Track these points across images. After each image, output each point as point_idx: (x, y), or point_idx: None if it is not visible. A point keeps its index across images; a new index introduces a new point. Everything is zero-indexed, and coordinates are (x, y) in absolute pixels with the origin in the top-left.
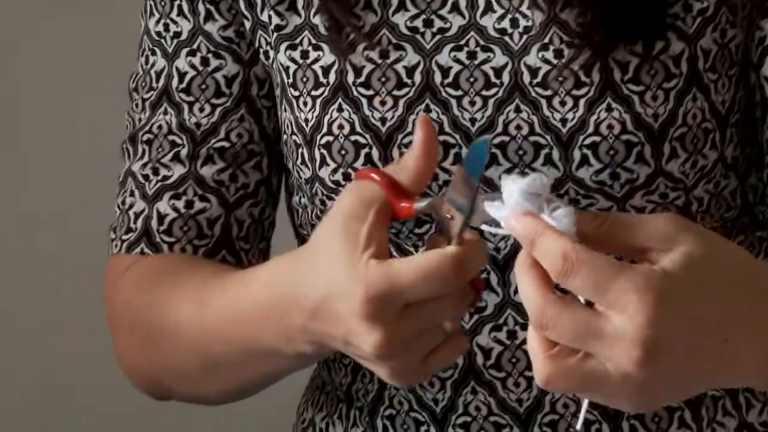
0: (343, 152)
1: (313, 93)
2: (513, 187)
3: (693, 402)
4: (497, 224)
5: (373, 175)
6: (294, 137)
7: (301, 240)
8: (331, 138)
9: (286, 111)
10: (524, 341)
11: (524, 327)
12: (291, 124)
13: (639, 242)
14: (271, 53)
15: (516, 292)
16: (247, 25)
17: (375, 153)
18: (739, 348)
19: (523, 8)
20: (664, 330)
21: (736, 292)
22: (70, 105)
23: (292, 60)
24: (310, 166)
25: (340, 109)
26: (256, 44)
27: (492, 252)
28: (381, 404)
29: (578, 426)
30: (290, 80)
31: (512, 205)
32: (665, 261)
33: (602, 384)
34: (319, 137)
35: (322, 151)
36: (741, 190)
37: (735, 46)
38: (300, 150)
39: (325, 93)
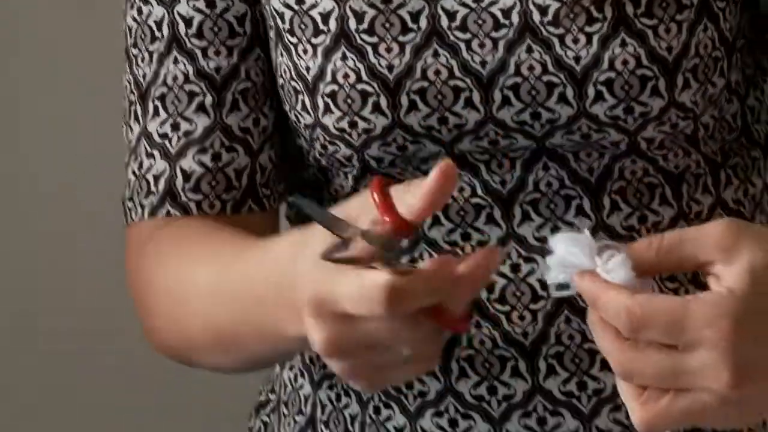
0: (349, 101)
1: (313, 41)
2: (561, 247)
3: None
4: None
5: (375, 196)
6: (293, 83)
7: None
8: (336, 87)
9: (282, 56)
10: (528, 274)
11: (528, 260)
12: (289, 69)
13: (699, 258)
14: None
15: (519, 224)
16: None
17: (383, 101)
18: None
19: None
20: (747, 351)
21: None
22: (70, 105)
23: (287, 6)
24: (312, 113)
25: (344, 58)
26: None
27: (497, 186)
28: None
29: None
30: (287, 26)
31: (564, 265)
32: (730, 279)
33: (703, 414)
34: (322, 86)
35: (326, 99)
36: (741, 111)
37: None
38: (300, 96)
39: (327, 41)
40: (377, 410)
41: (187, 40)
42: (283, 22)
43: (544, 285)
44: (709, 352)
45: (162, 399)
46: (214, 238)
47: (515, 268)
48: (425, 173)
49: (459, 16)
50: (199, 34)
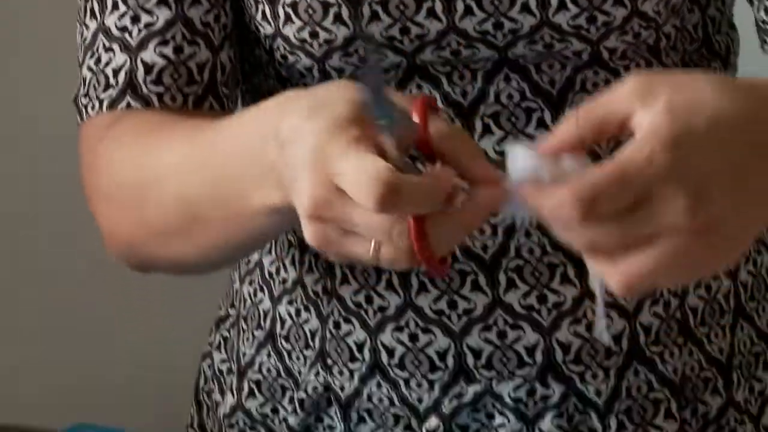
0: (310, 11)
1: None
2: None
3: None
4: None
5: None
6: None
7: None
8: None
9: None
10: (515, 340)
11: (513, 327)
12: None
13: (618, 114)
14: None
15: (480, 138)
16: None
17: (344, 11)
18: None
19: (513, 13)
20: (691, 173)
21: (735, 105)
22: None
23: None
24: (272, 23)
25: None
26: None
27: (458, 97)
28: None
29: (606, 340)
30: None
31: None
32: (651, 118)
33: (677, 258)
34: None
35: (287, 9)
36: (702, 22)
37: None
38: (260, 6)
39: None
40: (337, 325)
41: None
42: None
43: (530, 352)
44: (659, 190)
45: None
46: (180, 122)
47: (502, 335)
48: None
49: None
50: None
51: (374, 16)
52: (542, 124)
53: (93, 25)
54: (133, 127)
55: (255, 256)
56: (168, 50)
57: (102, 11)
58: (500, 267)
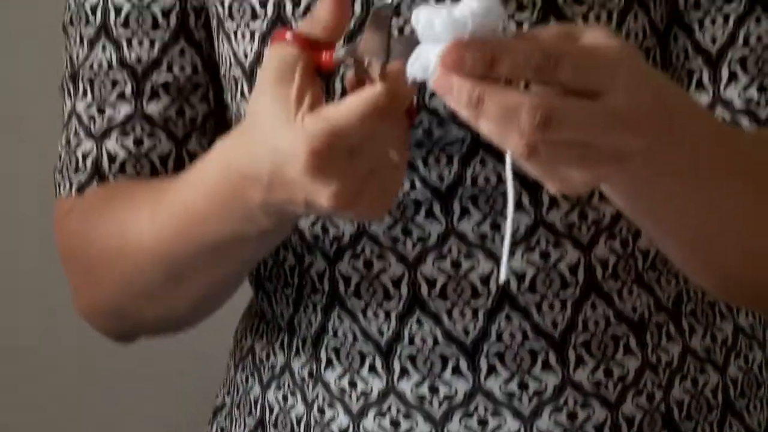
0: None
1: (251, 25)
2: (436, 19)
3: (637, 327)
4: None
5: (288, 35)
6: (233, 71)
7: None
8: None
9: (223, 44)
10: (469, 270)
11: (468, 256)
12: (230, 57)
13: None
14: None
15: (460, 218)
16: None
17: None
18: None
19: None
20: (654, 97)
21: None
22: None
23: None
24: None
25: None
26: None
27: (435, 181)
28: (325, 334)
29: (501, 278)
30: (226, 12)
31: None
32: (594, 34)
33: (592, 159)
34: (259, 71)
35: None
36: None
37: None
38: (240, 84)
39: (263, 26)
40: (321, 411)
41: (114, 29)
42: (223, 8)
43: (485, 281)
44: (622, 97)
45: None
46: (148, 181)
47: (456, 264)
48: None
49: None
50: (125, 23)
51: None
52: (520, 207)
53: (69, 104)
54: (99, 200)
55: (248, 342)
56: (129, 142)
57: (74, 95)
58: (481, 352)
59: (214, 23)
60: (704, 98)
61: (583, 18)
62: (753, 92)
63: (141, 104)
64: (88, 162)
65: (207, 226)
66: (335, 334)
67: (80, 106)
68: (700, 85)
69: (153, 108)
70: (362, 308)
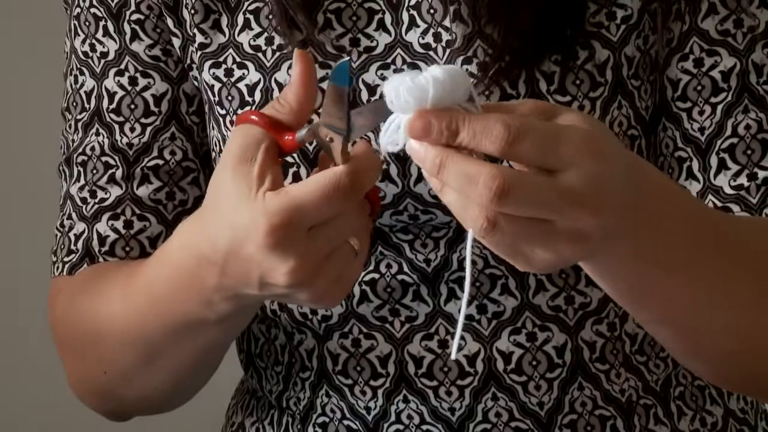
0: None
1: (240, 112)
2: (401, 87)
3: (625, 410)
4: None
5: (253, 116)
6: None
7: None
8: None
9: (214, 129)
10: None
11: (454, 335)
12: (219, 142)
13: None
14: (198, 70)
15: (446, 302)
16: (177, 42)
17: (303, 172)
18: (658, 213)
19: (446, 22)
20: (613, 178)
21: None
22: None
23: (216, 78)
24: None
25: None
26: (188, 60)
27: (422, 264)
28: (313, 412)
29: (452, 355)
30: (216, 98)
31: (404, 108)
32: (570, 116)
33: (548, 240)
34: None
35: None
36: None
37: (655, 52)
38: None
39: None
40: None
41: (106, 115)
42: (213, 95)
43: (471, 362)
44: (580, 176)
45: None
46: (124, 262)
47: (443, 344)
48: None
49: (378, 90)
50: (117, 110)
51: None
52: (506, 290)
53: (65, 186)
54: (82, 284)
55: (239, 418)
56: (119, 224)
57: (69, 178)
58: (467, 431)
59: (206, 108)
60: (695, 186)
61: (566, 107)
62: (743, 180)
63: (131, 187)
64: (80, 244)
65: (170, 309)
66: (323, 410)
67: (74, 189)
68: (690, 173)
69: (143, 191)
70: (350, 386)
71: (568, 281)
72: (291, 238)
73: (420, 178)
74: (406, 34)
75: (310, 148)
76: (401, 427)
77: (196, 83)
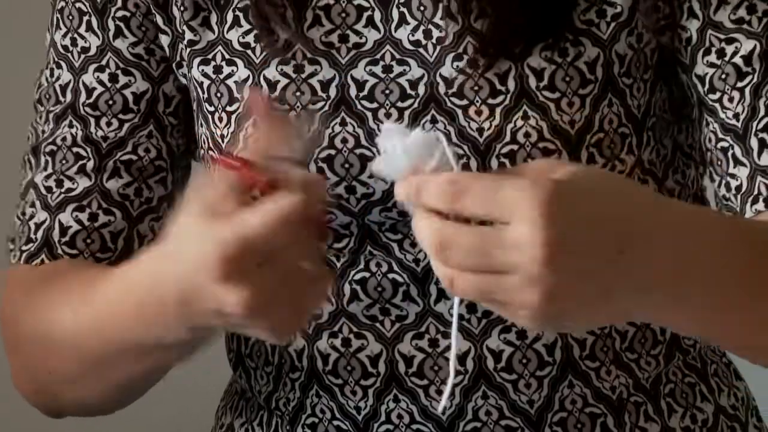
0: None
1: (228, 108)
2: (397, 144)
3: (615, 407)
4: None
5: (233, 161)
6: (211, 152)
7: None
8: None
9: (202, 126)
10: (446, 349)
11: (445, 335)
12: (207, 139)
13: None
14: (187, 68)
15: (436, 302)
16: (166, 40)
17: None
18: (634, 260)
19: (436, 19)
20: (561, 227)
21: (624, 206)
22: None
23: (206, 75)
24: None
25: (255, 124)
26: (177, 58)
27: (411, 264)
28: (302, 412)
29: (440, 408)
30: (205, 95)
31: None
32: (565, 170)
33: (510, 291)
34: (235, 153)
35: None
36: (658, 192)
37: (651, 51)
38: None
39: (240, 108)
40: None
41: (82, 108)
42: (202, 91)
43: (461, 360)
44: (523, 225)
45: None
46: (85, 267)
47: (433, 342)
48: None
49: (367, 86)
50: (94, 105)
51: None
52: None
53: (29, 175)
54: (38, 280)
55: (228, 419)
56: (83, 216)
57: (35, 167)
58: (457, 429)
59: (194, 106)
60: (744, 172)
61: (555, 104)
62: None
63: (101, 180)
64: (40, 233)
65: (127, 331)
66: (313, 411)
67: (39, 178)
68: (736, 160)
69: (112, 185)
70: (340, 385)
71: None
72: (243, 269)
73: None
74: (395, 32)
75: None
76: (391, 426)
77: (184, 80)
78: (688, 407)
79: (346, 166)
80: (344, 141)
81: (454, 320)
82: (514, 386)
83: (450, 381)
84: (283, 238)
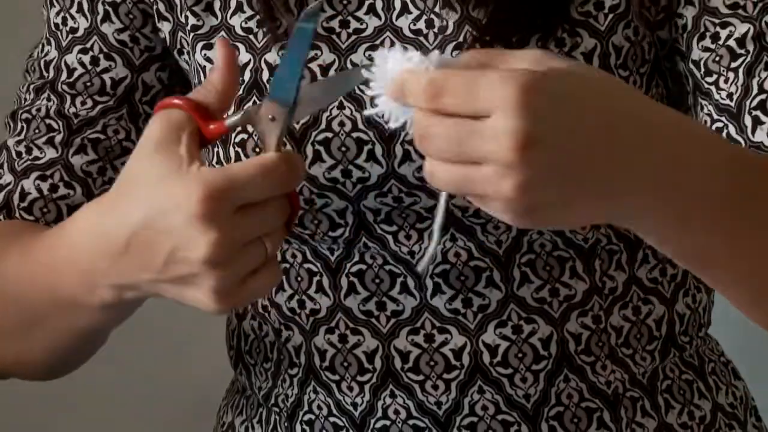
0: (257, 150)
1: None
2: (390, 62)
3: (611, 402)
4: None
5: (176, 100)
6: None
7: None
8: (246, 136)
9: None
10: (442, 344)
11: (441, 330)
12: None
13: (512, 65)
14: (190, 53)
15: (432, 296)
16: (168, 27)
17: (289, 147)
18: (617, 160)
19: (437, 9)
20: (535, 118)
21: (612, 106)
22: None
23: (208, 59)
24: (225, 164)
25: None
26: (177, 45)
27: (406, 256)
28: (300, 409)
29: (421, 267)
30: (204, 79)
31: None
32: (526, 57)
33: (485, 181)
34: (233, 135)
35: (237, 149)
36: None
37: (648, 45)
38: (215, 149)
39: (241, 91)
40: None
41: (60, 85)
42: (204, 75)
43: (457, 355)
44: (498, 114)
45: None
46: (36, 226)
47: (429, 338)
48: (333, 239)
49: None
50: (72, 85)
51: (317, 157)
52: (491, 282)
53: (6, 138)
54: None
55: (229, 418)
56: (44, 185)
57: (12, 131)
58: (453, 424)
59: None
60: None
61: None
62: None
63: (67, 153)
64: (2, 194)
65: (58, 281)
66: (310, 407)
67: (11, 141)
68: (731, 139)
69: (77, 160)
70: (337, 381)
71: (552, 273)
72: (219, 212)
73: (405, 159)
74: (396, 20)
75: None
76: (388, 422)
77: (186, 66)
78: (686, 404)
79: (343, 149)
80: (341, 124)
81: (439, 214)
82: (510, 381)
83: (433, 244)
84: (264, 190)
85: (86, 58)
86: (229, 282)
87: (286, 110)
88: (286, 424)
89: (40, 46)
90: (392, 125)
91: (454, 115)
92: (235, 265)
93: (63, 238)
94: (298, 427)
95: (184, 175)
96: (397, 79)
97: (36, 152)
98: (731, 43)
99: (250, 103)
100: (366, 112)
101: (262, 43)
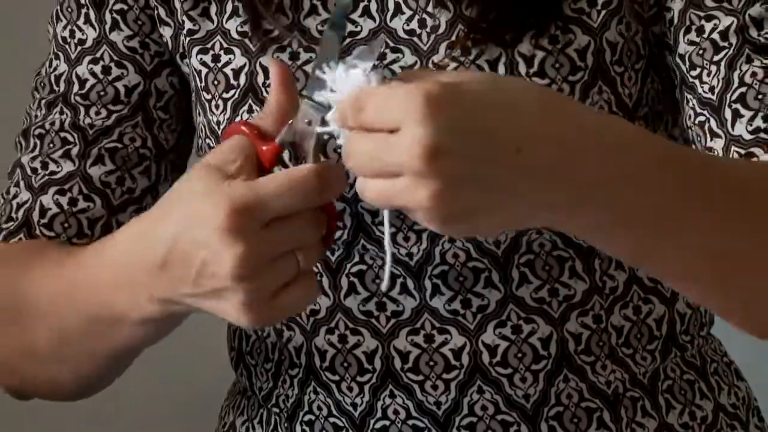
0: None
1: (224, 95)
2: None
3: (611, 402)
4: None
5: (243, 127)
6: (208, 140)
7: None
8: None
9: (200, 115)
10: (442, 344)
11: (441, 331)
12: (204, 127)
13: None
14: (188, 57)
15: (431, 297)
16: (169, 32)
17: (285, 155)
18: (536, 160)
19: (429, 8)
20: (441, 128)
21: (523, 105)
22: None
23: (204, 64)
24: None
25: (250, 111)
26: (180, 49)
27: (404, 258)
28: (300, 409)
29: (383, 286)
30: (202, 84)
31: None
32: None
33: (403, 192)
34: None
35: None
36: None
37: (641, 40)
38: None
39: (236, 95)
40: None
41: (73, 97)
42: (200, 80)
43: (457, 355)
44: (405, 126)
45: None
46: (64, 244)
47: (429, 338)
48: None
49: None
50: (86, 96)
51: None
52: (490, 283)
53: (18, 156)
54: (14, 255)
55: (230, 418)
56: (64, 200)
57: (24, 149)
58: (452, 424)
59: (193, 96)
60: (719, 143)
61: None
62: (759, 122)
63: (84, 165)
64: (20, 213)
65: (95, 299)
66: (310, 408)
67: (26, 159)
68: (712, 132)
69: (95, 171)
70: (337, 382)
71: (552, 273)
72: (248, 224)
73: None
74: (390, 21)
75: None
76: (387, 422)
77: (187, 69)
78: (687, 404)
79: (339, 150)
80: None
81: (386, 229)
82: (510, 381)
83: (387, 265)
84: (293, 205)
85: (97, 68)
86: (257, 296)
87: (320, 115)
88: (286, 424)
89: (48, 63)
90: (340, 142)
91: (373, 130)
92: (264, 278)
93: (102, 256)
94: (298, 428)
95: (215, 191)
96: (339, 107)
97: (52, 167)
98: (715, 36)
99: (246, 107)
100: (318, 130)
101: (257, 47)
